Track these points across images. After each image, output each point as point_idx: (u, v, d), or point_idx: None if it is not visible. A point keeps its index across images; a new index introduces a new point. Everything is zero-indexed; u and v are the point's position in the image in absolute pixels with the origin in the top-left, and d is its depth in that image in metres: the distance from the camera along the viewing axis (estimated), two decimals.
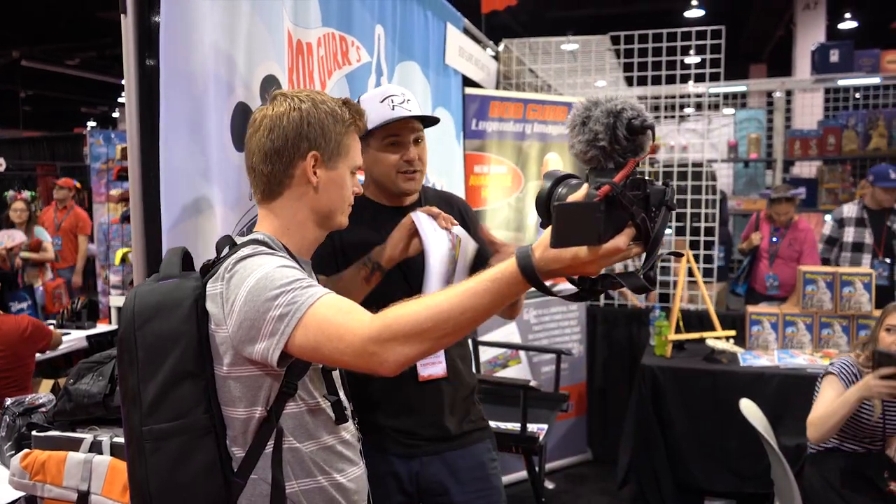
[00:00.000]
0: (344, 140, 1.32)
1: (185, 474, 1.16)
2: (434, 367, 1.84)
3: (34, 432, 2.04)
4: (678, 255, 1.17)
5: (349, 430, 1.34)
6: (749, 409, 2.71)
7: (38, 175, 9.48)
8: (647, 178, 1.01)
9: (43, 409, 2.23)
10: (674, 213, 4.04)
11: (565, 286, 1.12)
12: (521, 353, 3.87)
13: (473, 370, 2.01)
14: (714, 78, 4.03)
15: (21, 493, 2.04)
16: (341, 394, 1.34)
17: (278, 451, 1.22)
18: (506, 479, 3.01)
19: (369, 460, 1.88)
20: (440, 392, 1.85)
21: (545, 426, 2.99)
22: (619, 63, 4.58)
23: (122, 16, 1.48)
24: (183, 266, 1.27)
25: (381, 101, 1.74)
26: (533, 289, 1.06)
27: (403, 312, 1.07)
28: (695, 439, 3.48)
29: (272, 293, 1.12)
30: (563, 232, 0.98)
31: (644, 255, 1.02)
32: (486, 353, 3.71)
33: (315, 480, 1.26)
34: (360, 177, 1.73)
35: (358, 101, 1.56)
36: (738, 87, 6.69)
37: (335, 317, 1.09)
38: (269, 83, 1.81)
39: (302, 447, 1.25)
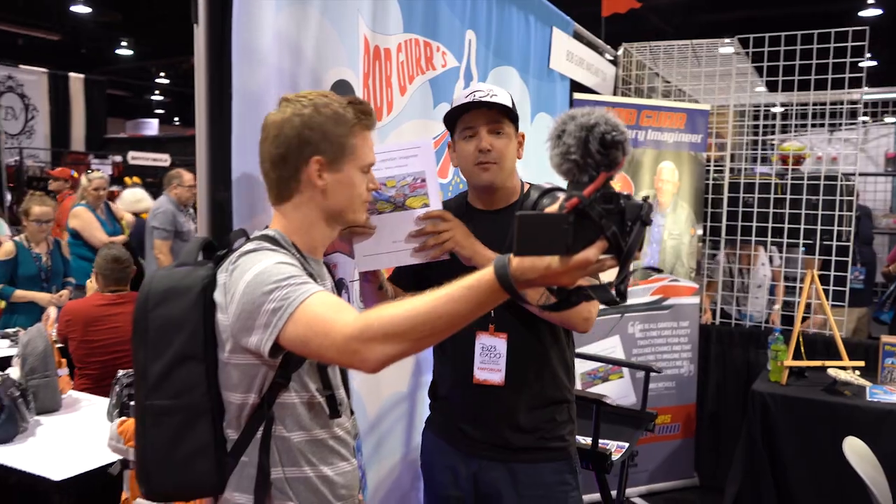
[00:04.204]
0: (349, 141, 1.34)
1: (182, 451, 1.24)
2: (490, 373, 1.77)
3: (132, 402, 2.25)
4: (657, 271, 1.17)
5: (344, 427, 1.38)
6: (857, 448, 2.45)
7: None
8: (622, 192, 1.01)
9: None
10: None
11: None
12: (625, 368, 3.71)
13: (568, 383, 1.85)
14: (873, 83, 3.66)
15: (119, 457, 2.26)
16: (341, 390, 1.37)
17: (266, 438, 1.27)
18: (587, 497, 2.89)
19: (433, 446, 1.91)
20: (499, 401, 1.77)
21: (625, 444, 2.87)
22: (762, 67, 4.27)
23: (195, 25, 1.59)
24: (207, 255, 1.35)
25: (466, 96, 1.73)
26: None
27: (384, 313, 1.10)
28: (808, 476, 3.19)
29: (268, 287, 1.17)
30: (525, 241, 1.01)
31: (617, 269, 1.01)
32: (585, 366, 3.60)
33: (301, 470, 1.30)
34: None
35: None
36: None
37: (325, 313, 1.13)
38: (341, 88, 1.88)
39: (291, 436, 1.29)
